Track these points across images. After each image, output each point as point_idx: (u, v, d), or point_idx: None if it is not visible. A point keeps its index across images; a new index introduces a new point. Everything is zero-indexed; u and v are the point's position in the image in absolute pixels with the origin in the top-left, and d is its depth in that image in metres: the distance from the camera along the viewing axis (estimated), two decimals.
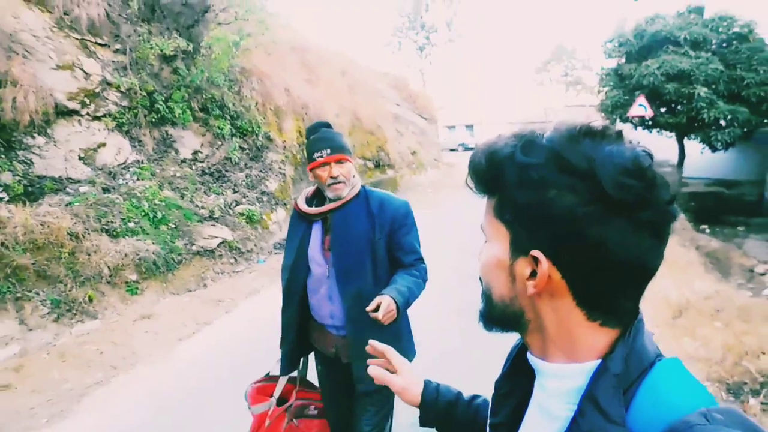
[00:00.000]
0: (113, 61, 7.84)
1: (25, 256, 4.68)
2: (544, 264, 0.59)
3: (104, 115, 7.38)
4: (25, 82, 6.40)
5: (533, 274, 0.60)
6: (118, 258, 5.48)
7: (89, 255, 5.20)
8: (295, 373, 2.23)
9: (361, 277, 1.96)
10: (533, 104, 46.87)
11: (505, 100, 55.86)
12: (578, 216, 0.55)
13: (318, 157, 1.95)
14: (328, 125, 2.07)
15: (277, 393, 2.15)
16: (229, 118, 8.72)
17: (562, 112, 38.72)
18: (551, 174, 0.57)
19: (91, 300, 4.96)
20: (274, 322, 2.29)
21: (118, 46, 7.99)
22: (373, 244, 1.96)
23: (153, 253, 5.93)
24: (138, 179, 7.21)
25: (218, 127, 8.47)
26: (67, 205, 5.70)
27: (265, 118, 9.59)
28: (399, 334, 2.06)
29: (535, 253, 0.59)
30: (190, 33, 8.61)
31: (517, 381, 0.74)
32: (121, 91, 7.64)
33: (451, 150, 38.85)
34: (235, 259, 7.30)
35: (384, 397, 2.04)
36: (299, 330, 2.11)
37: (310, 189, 2.16)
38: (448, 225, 9.57)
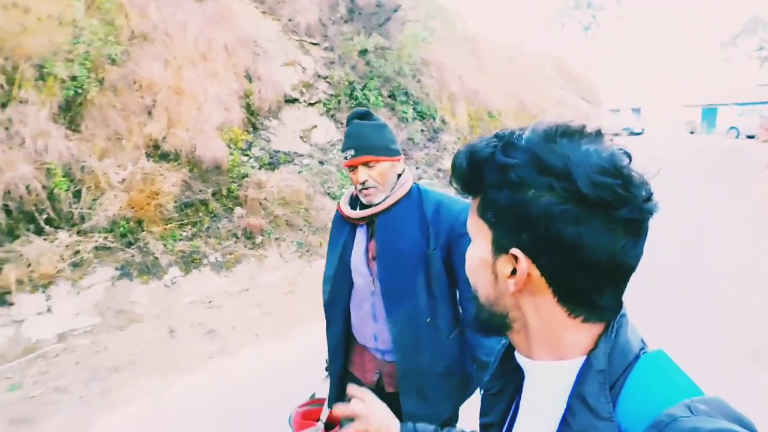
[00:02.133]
0: (322, 57, 9.49)
1: (279, 208, 6.31)
2: (523, 262, 0.60)
3: (316, 102, 9.04)
4: (265, 78, 8.20)
5: (514, 272, 0.61)
6: None
7: (317, 211, 6.74)
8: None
9: (413, 296, 1.64)
10: (715, 83, 41.92)
11: (681, 79, 50.57)
12: (555, 215, 0.56)
13: (345, 157, 1.68)
14: (364, 115, 1.74)
15: (324, 416, 1.93)
16: (411, 103, 9.96)
17: (753, 92, 34.22)
18: (529, 174, 0.58)
19: (320, 245, 6.48)
20: None
21: (326, 44, 9.64)
22: (427, 257, 1.64)
23: None
24: None
25: (403, 112, 9.75)
26: (298, 173, 7.34)
27: (441, 103, 10.67)
28: (458, 365, 1.72)
29: (515, 251, 0.60)
30: (381, 30, 9.98)
31: (506, 381, 0.74)
32: (328, 82, 9.25)
33: (615, 135, 36.70)
34: None
35: None
36: (346, 352, 1.84)
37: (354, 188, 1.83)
38: None
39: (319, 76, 9.22)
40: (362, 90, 9.37)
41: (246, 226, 5.93)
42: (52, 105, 5.27)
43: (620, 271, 0.59)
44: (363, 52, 9.55)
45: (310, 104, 8.98)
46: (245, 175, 6.55)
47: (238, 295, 5.21)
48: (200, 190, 5.85)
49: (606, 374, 0.58)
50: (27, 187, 4.51)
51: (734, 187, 11.05)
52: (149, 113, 6.18)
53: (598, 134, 0.61)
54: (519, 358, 0.69)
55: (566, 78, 22.68)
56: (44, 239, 4.49)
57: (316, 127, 8.95)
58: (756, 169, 13.27)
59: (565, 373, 0.62)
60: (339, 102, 9.20)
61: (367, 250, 1.73)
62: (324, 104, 9.08)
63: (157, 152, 5.93)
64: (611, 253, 0.57)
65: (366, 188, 1.66)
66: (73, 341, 4.00)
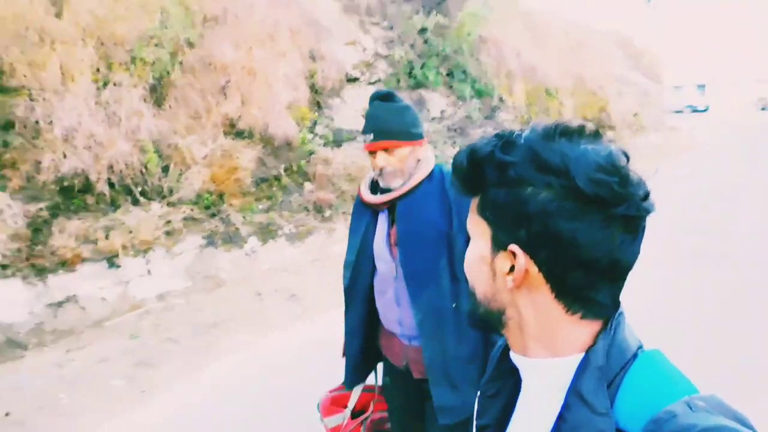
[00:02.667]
0: (382, 36, 9.65)
1: (345, 184, 6.61)
2: (521, 258, 0.60)
3: (376, 81, 9.23)
4: (327, 57, 8.46)
5: (512, 269, 0.62)
6: None
7: None
8: (373, 382, 1.98)
9: (435, 280, 1.62)
10: None
11: (753, 55, 47.53)
12: (552, 211, 0.57)
13: (365, 140, 1.66)
14: (385, 96, 1.71)
15: (351, 404, 1.92)
16: (469, 81, 10.00)
17: None
18: (528, 171, 0.59)
19: None
20: None
21: (386, 23, 9.78)
22: (450, 238, 1.61)
23: None
24: None
25: (461, 90, 9.82)
26: (361, 150, 7.61)
27: (499, 80, 10.65)
28: (482, 349, 1.67)
29: (513, 247, 0.61)
30: (440, 9, 10.02)
31: (503, 383, 0.74)
32: (388, 61, 9.42)
33: (676, 112, 35.12)
34: None
35: None
36: (366, 336, 1.83)
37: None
38: (668, 197, 9.34)
39: (378, 55, 9.40)
40: (421, 69, 9.49)
41: (316, 200, 6.28)
42: (142, 86, 5.72)
43: (617, 268, 0.60)
44: (422, 31, 9.65)
45: (371, 83, 9.18)
46: (312, 152, 6.88)
47: (310, 264, 5.57)
48: (273, 166, 6.23)
49: (604, 371, 0.58)
50: (126, 163, 4.97)
51: None
52: (224, 93, 6.57)
53: (597, 134, 0.63)
54: (514, 356, 0.69)
55: (626, 53, 21.85)
56: (141, 210, 4.96)
57: None
58: None
59: (561, 370, 0.62)
60: (398, 81, 9.36)
61: (388, 235, 1.70)
62: (384, 83, 9.27)
63: (233, 130, 6.33)
64: (608, 250, 0.58)
65: (383, 174, 1.64)
66: (171, 300, 4.46)
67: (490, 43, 10.69)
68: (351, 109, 8.72)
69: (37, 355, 3.71)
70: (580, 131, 0.62)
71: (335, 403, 1.96)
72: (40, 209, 4.30)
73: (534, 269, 0.61)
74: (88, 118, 4.94)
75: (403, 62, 9.38)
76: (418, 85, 9.52)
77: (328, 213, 6.33)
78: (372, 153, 1.64)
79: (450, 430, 1.62)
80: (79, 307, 4.14)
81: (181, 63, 6.35)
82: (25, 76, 4.85)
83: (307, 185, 6.43)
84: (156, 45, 6.10)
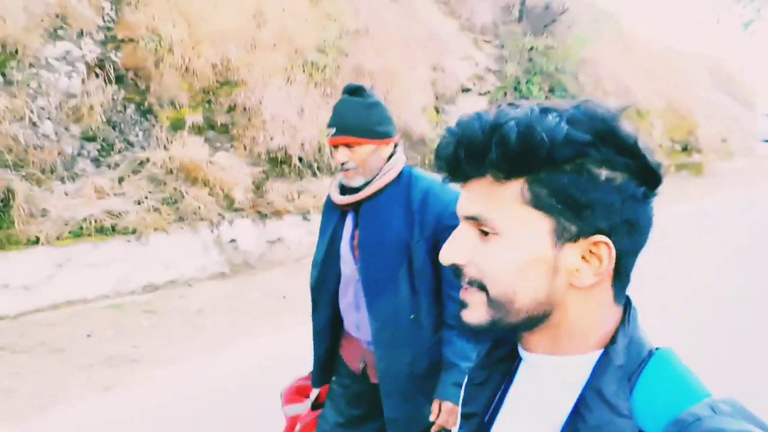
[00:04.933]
0: (493, 53, 10.87)
1: None
2: (612, 249, 0.55)
3: (486, 93, 10.46)
4: (447, 69, 9.77)
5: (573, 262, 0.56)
6: None
7: None
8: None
9: (394, 289, 1.59)
10: None
11: None
12: (632, 196, 0.55)
13: (327, 134, 1.63)
14: (355, 90, 1.66)
15: (313, 395, 1.89)
16: (568, 98, 11.04)
17: None
18: (606, 152, 0.54)
19: None
20: None
21: (497, 42, 11.00)
22: (410, 248, 1.58)
23: None
24: None
25: None
26: None
27: (594, 98, 11.63)
28: (441, 366, 1.61)
29: (600, 237, 0.55)
30: (546, 30, 11.13)
31: (492, 371, 0.70)
32: (497, 76, 10.63)
33: (766, 141, 33.88)
34: None
35: None
36: (333, 337, 1.80)
37: None
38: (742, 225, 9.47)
39: (489, 70, 10.63)
40: (526, 84, 10.64)
41: None
42: (313, 84, 7.22)
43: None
44: (529, 50, 10.79)
45: (481, 94, 10.42)
46: None
47: None
48: (412, 158, 7.57)
49: (625, 370, 0.56)
50: (310, 144, 6.46)
51: None
52: None
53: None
54: (528, 355, 0.63)
55: (718, 77, 21.87)
56: (318, 180, 6.43)
57: None
58: None
59: (581, 368, 0.58)
60: (505, 94, 10.55)
61: (352, 237, 1.68)
62: (492, 95, 10.48)
63: None
64: (650, 229, 0.58)
65: (346, 170, 1.60)
66: None
67: (589, 63, 11.67)
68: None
69: (263, 274, 5.19)
70: (621, 113, 0.56)
71: (299, 392, 1.93)
72: (259, 172, 5.83)
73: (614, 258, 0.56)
74: (284, 107, 6.47)
75: (511, 78, 10.56)
76: (523, 99, 10.66)
77: None
78: (335, 147, 1.61)
79: None
80: (285, 246, 5.62)
81: (338, 68, 7.84)
82: (241, 72, 6.44)
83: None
84: (321, 52, 7.62)
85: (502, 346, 0.70)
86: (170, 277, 4.84)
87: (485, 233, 0.58)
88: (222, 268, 5.18)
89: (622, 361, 0.56)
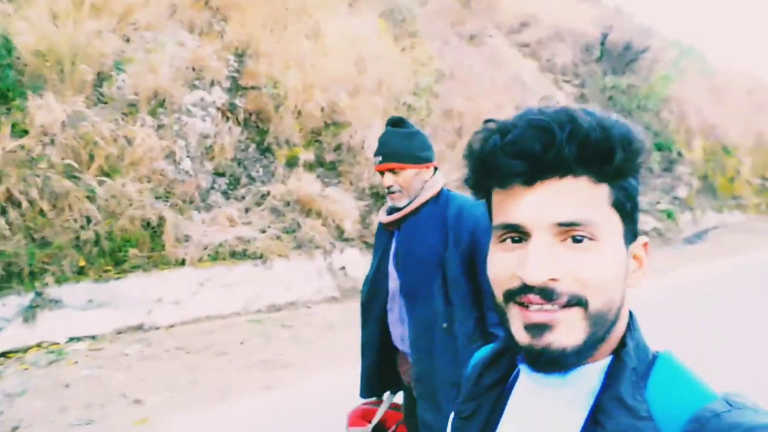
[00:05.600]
0: (573, 93, 11.11)
1: None
2: (647, 249, 0.57)
3: None
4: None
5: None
6: None
7: None
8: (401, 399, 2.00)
9: (429, 299, 1.68)
10: None
11: None
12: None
13: (375, 162, 1.77)
14: (397, 122, 1.81)
15: (375, 419, 1.94)
16: (652, 136, 11.03)
17: None
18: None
19: None
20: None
21: (577, 81, 11.25)
22: (444, 261, 1.66)
23: None
24: None
25: None
26: None
27: (678, 136, 11.52)
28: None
29: (645, 239, 0.58)
30: (627, 69, 11.27)
31: (480, 402, 0.69)
32: None
33: None
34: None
35: None
36: (381, 351, 1.89)
37: None
38: None
39: None
40: None
41: None
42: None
43: None
44: (611, 88, 10.96)
45: None
46: None
47: None
48: None
49: (637, 372, 0.56)
50: None
51: None
52: (459, 134, 8.44)
53: None
54: (535, 377, 0.60)
55: None
56: None
57: None
58: None
59: (593, 375, 0.57)
60: None
61: (396, 254, 1.78)
62: None
63: None
64: None
65: (392, 192, 1.72)
66: None
67: (673, 100, 11.64)
68: None
69: None
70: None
71: (363, 416, 1.98)
72: (364, 205, 6.35)
73: None
74: None
75: None
76: None
77: None
78: (381, 173, 1.74)
79: None
80: None
81: (430, 109, 8.37)
82: (346, 114, 7.07)
83: None
84: (415, 95, 8.19)
85: (488, 374, 0.69)
86: (290, 299, 5.37)
87: (577, 240, 0.54)
88: (333, 293, 5.66)
89: (635, 364, 0.56)
